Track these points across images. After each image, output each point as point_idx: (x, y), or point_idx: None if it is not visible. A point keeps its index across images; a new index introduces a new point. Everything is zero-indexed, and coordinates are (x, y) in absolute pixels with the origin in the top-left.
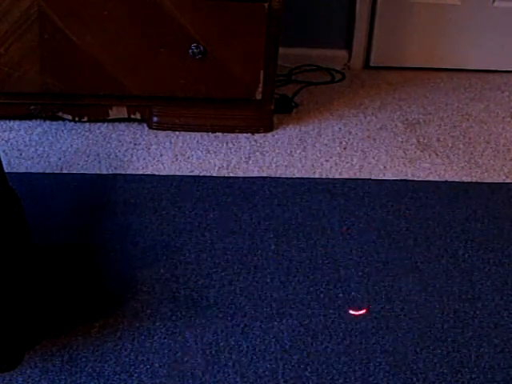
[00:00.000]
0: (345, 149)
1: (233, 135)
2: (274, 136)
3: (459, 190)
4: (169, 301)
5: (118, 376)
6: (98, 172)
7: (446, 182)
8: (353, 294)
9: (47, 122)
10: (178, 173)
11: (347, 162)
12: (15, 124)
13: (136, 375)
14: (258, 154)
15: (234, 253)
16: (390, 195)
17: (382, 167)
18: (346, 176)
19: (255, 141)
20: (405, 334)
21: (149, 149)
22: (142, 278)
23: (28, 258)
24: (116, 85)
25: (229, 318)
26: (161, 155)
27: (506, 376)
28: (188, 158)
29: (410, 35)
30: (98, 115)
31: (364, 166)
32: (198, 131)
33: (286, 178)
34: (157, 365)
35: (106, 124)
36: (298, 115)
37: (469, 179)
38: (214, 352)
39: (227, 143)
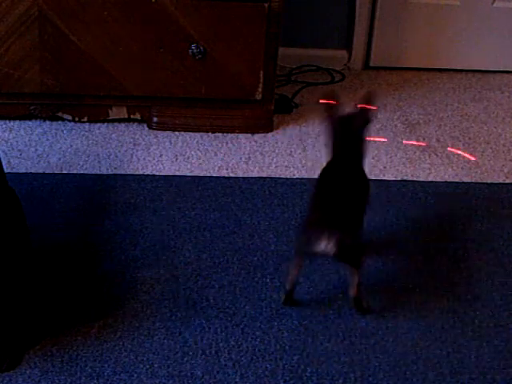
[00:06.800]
0: None
1: (233, 135)
2: (273, 136)
3: (459, 190)
4: (169, 301)
5: (117, 376)
6: (98, 172)
7: (446, 182)
8: None
9: (47, 122)
10: (177, 173)
11: None
12: (15, 124)
13: (136, 375)
14: (257, 154)
15: (233, 253)
16: (390, 195)
17: (381, 167)
18: None
19: (255, 141)
20: (405, 334)
21: (149, 149)
22: (142, 278)
23: (28, 257)
24: (116, 85)
25: (229, 318)
26: (161, 155)
27: (505, 376)
28: (188, 158)
29: (410, 35)
30: (98, 115)
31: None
32: (197, 131)
33: (286, 178)
34: (157, 365)
35: (106, 124)
36: (297, 115)
37: (469, 179)
38: (213, 352)
39: (227, 143)
